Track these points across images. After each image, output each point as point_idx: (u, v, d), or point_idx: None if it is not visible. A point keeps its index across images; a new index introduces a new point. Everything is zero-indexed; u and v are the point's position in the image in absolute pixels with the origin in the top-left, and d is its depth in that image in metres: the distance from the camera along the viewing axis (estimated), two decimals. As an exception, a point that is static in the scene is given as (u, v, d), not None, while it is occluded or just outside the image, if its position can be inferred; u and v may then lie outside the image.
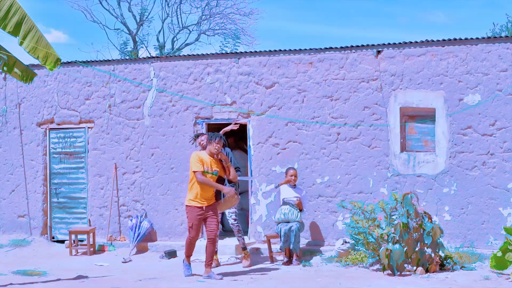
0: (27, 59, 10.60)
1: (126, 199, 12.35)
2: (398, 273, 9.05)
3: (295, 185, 10.65)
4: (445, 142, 10.57)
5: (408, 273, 9.14)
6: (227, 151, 10.19)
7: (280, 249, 10.41)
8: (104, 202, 12.47)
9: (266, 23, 38.73)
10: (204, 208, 9.12)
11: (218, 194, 9.49)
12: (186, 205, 9.22)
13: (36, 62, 12.62)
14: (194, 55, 12.25)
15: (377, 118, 10.92)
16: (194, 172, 9.04)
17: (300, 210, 10.41)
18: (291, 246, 10.12)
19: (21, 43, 8.87)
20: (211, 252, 9.22)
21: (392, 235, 9.20)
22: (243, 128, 11.99)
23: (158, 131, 12.16)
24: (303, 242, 11.05)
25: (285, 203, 10.45)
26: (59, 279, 9.30)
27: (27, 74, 9.45)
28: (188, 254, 9.38)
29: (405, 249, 9.08)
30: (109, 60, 12.79)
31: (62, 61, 12.65)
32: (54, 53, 9.03)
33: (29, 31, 8.91)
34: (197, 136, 10.45)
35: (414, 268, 9.18)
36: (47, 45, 9.05)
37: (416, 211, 9.16)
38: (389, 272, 9.15)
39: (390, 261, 9.06)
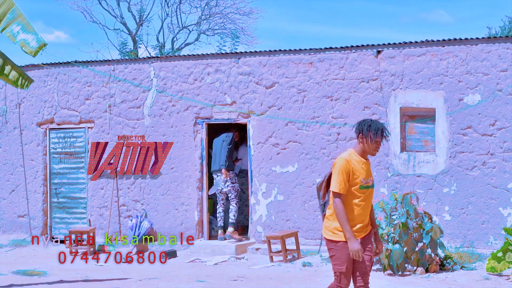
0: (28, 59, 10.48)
1: (126, 199, 12.35)
2: (398, 273, 9.06)
3: None
4: (445, 142, 10.57)
5: (408, 273, 9.14)
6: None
7: None
8: (104, 202, 12.47)
9: (266, 23, 38.78)
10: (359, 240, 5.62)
11: None
12: (330, 240, 5.60)
13: (37, 62, 12.67)
14: (194, 55, 12.26)
15: (377, 118, 10.91)
16: (333, 193, 5.50)
17: None
18: None
19: (2, 30, 8.69)
20: None
21: (392, 235, 9.20)
22: (243, 127, 11.99)
23: (158, 131, 12.16)
24: (303, 242, 11.06)
25: None
26: (59, 279, 9.30)
27: (24, 79, 8.94)
28: None
29: (405, 249, 9.08)
30: (109, 60, 12.80)
31: (61, 60, 12.77)
32: (39, 37, 8.63)
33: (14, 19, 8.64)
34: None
35: (414, 268, 9.18)
36: (33, 30, 8.69)
37: (416, 211, 9.16)
38: (389, 272, 9.15)
39: (390, 261, 9.06)
